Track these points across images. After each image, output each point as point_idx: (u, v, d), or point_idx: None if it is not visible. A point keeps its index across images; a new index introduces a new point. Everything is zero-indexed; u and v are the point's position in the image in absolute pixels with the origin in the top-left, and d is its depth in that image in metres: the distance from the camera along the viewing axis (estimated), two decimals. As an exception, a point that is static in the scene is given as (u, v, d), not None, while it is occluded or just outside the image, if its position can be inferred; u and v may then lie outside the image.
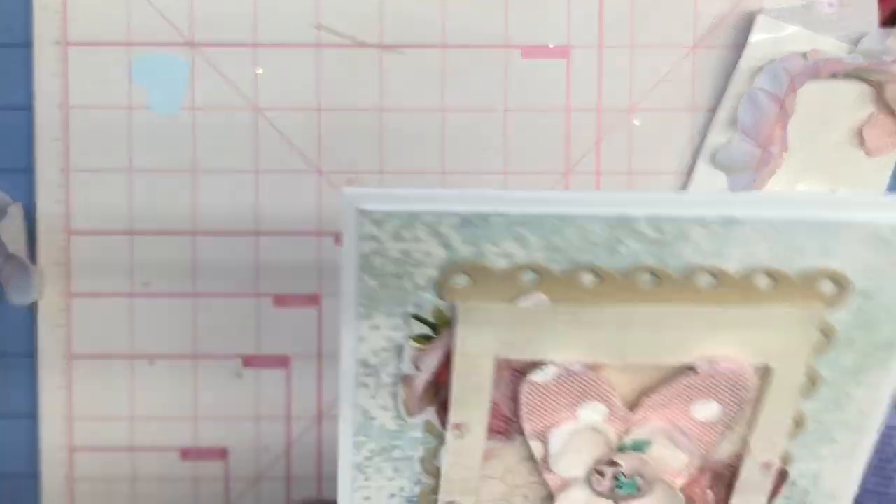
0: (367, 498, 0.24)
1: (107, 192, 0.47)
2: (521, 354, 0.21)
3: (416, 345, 0.22)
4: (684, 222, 0.20)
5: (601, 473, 0.22)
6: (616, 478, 0.22)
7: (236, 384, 0.47)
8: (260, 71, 0.46)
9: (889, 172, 0.46)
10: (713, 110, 0.46)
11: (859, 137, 0.45)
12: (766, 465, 0.23)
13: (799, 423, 0.23)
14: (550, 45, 0.46)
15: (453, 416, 0.22)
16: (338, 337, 0.22)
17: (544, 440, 0.22)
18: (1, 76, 0.47)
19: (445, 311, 0.21)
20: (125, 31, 0.46)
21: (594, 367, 0.21)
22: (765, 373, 0.22)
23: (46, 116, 0.46)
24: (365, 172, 0.47)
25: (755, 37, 0.45)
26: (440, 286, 0.21)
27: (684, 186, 0.46)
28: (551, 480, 0.23)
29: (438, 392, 0.22)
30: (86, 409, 0.47)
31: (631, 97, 0.47)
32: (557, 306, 0.20)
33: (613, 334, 0.21)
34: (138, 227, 0.47)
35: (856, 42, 0.45)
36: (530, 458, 0.23)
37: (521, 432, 0.22)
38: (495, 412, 0.22)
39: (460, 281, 0.21)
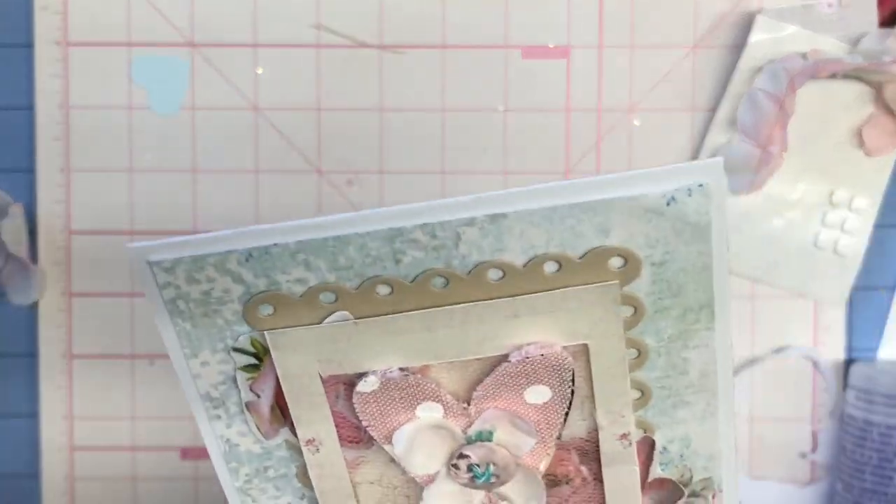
0: None
1: (107, 191, 0.47)
2: (343, 369, 0.22)
3: (247, 374, 0.23)
4: (455, 226, 0.21)
5: (456, 467, 0.23)
6: (470, 469, 0.23)
7: (236, 384, 0.47)
8: (260, 71, 0.46)
9: (889, 172, 0.46)
10: (713, 110, 0.46)
11: (859, 138, 0.45)
12: (623, 437, 0.24)
13: (645, 393, 0.23)
14: (550, 46, 0.46)
15: (301, 433, 0.23)
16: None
17: (390, 440, 0.23)
18: (2, 76, 0.47)
19: (260, 340, 0.22)
20: (125, 32, 0.46)
21: (420, 370, 0.22)
22: (583, 351, 0.22)
23: (47, 116, 0.46)
24: (365, 172, 0.47)
25: (755, 37, 0.45)
26: (248, 318, 0.21)
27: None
28: (418, 478, 0.24)
29: (284, 416, 0.23)
30: (86, 409, 0.47)
31: (631, 97, 0.47)
32: (360, 321, 0.21)
33: (421, 337, 0.21)
34: (138, 226, 0.47)
35: (855, 42, 0.45)
36: (394, 460, 0.24)
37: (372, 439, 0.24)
38: (344, 423, 0.23)
39: (264, 311, 0.21)
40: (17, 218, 0.45)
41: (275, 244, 0.21)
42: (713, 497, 0.25)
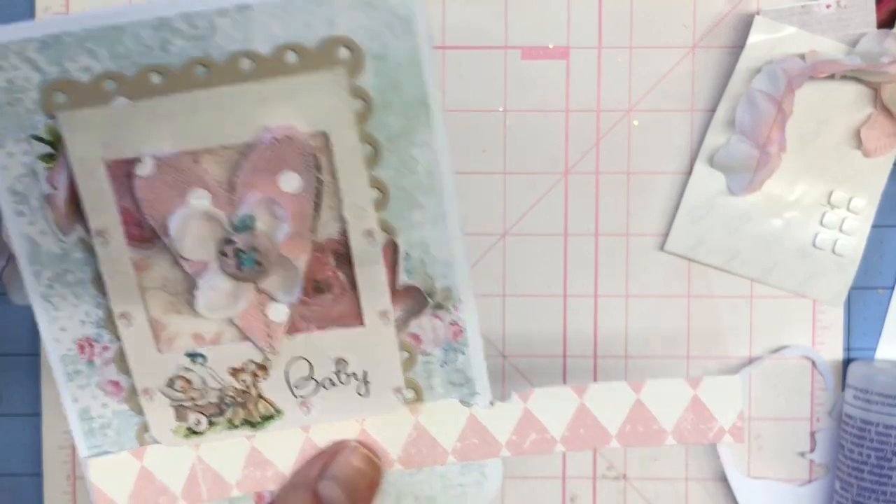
0: (63, 329, 0.27)
1: (108, 192, 0.47)
2: (123, 153, 0.25)
3: (45, 164, 0.25)
4: (210, 16, 0.24)
5: (224, 254, 0.25)
6: (237, 256, 0.25)
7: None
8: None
9: (887, 173, 0.46)
10: (712, 111, 0.46)
11: (857, 138, 0.45)
12: (369, 233, 0.26)
13: (383, 192, 0.26)
14: (550, 46, 0.47)
15: (91, 223, 0.26)
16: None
17: (167, 231, 0.25)
18: (3, 77, 0.47)
19: (56, 127, 0.25)
20: (127, 33, 0.46)
21: (191, 157, 0.25)
22: (324, 140, 0.25)
23: (48, 117, 0.47)
24: (365, 173, 0.47)
25: (753, 38, 0.45)
26: (44, 105, 0.24)
27: (683, 187, 0.47)
28: (189, 267, 0.26)
29: (78, 209, 0.26)
30: (88, 408, 0.47)
31: (630, 98, 0.47)
32: (137, 105, 0.25)
33: (187, 121, 0.25)
34: (140, 227, 0.47)
35: (854, 43, 0.45)
36: (176, 264, 0.26)
37: (155, 233, 0.26)
38: (129, 219, 0.26)
39: (58, 98, 0.24)
40: (18, 218, 0.46)
41: (65, 32, 0.24)
42: (455, 309, 0.28)
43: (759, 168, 0.44)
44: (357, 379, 0.28)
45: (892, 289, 0.47)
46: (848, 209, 0.46)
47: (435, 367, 0.29)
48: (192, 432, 0.29)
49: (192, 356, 0.28)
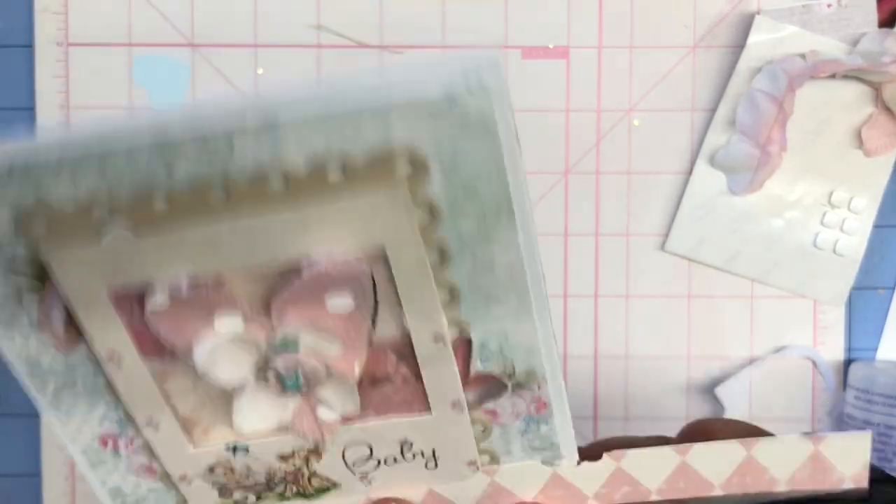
0: (80, 430, 0.24)
1: (108, 192, 0.47)
2: (129, 282, 0.21)
3: (33, 294, 0.21)
4: (228, 134, 0.19)
5: (265, 378, 0.23)
6: (279, 378, 0.23)
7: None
8: (260, 71, 0.47)
9: (888, 172, 0.46)
10: (712, 111, 0.46)
11: (858, 138, 0.45)
12: (436, 337, 0.23)
13: (454, 293, 0.23)
14: (550, 46, 0.47)
15: (99, 347, 0.22)
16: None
17: (192, 355, 0.22)
18: (3, 77, 0.47)
19: (42, 258, 0.21)
20: (126, 32, 0.46)
21: (214, 279, 0.21)
22: (379, 255, 0.21)
23: (48, 117, 0.46)
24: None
25: (754, 37, 0.45)
26: (22, 236, 0.20)
27: (684, 187, 0.46)
28: (227, 388, 0.23)
29: (77, 331, 0.22)
30: (87, 409, 0.47)
31: (630, 97, 0.47)
32: (140, 236, 0.20)
33: (206, 250, 0.20)
34: (139, 227, 0.47)
35: (854, 43, 0.45)
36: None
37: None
38: (144, 337, 0.22)
39: (38, 230, 0.20)
40: (18, 218, 0.45)
41: (36, 154, 0.19)
42: (539, 387, 0.25)
43: (759, 168, 0.44)
44: (424, 456, 0.26)
45: (893, 289, 0.47)
46: (849, 209, 0.46)
47: (514, 436, 0.26)
48: None
49: (234, 449, 0.25)
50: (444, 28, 0.46)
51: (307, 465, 0.26)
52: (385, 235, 0.21)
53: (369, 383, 0.24)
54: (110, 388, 0.23)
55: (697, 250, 0.46)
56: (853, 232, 0.46)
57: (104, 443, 0.25)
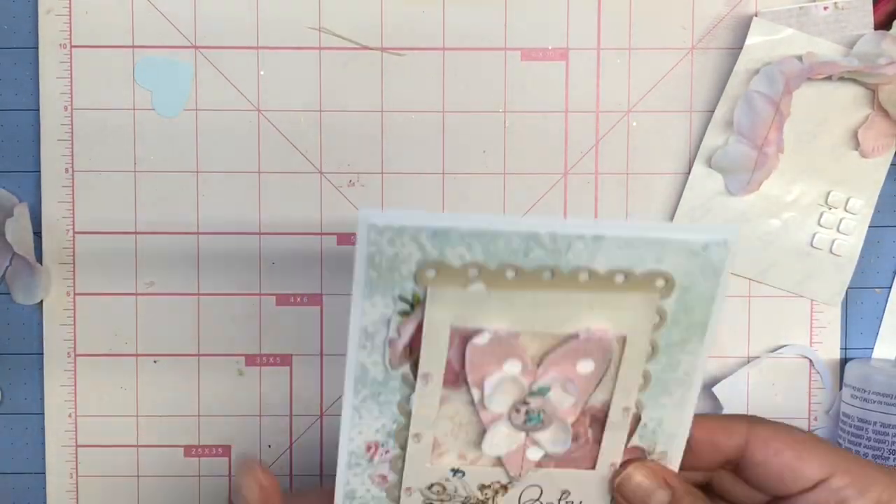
0: (360, 432, 0.34)
1: (111, 192, 0.47)
2: (468, 325, 0.31)
3: (399, 318, 0.32)
4: (570, 238, 0.30)
5: (518, 411, 0.33)
6: (527, 413, 0.33)
7: (239, 382, 0.48)
8: (262, 73, 0.47)
9: (884, 173, 0.46)
10: (710, 112, 0.47)
11: (855, 139, 0.46)
12: (626, 410, 0.33)
13: (646, 380, 0.33)
14: (549, 48, 0.47)
15: (422, 368, 0.32)
16: (345, 318, 0.32)
17: (480, 387, 0.32)
18: (7, 79, 0.47)
19: (420, 294, 0.31)
20: (129, 34, 0.47)
21: (514, 335, 0.32)
22: (622, 341, 0.32)
23: (52, 118, 0.47)
24: (366, 174, 0.47)
25: (751, 39, 0.46)
26: (417, 277, 0.31)
27: (682, 188, 0.47)
28: (484, 417, 0.33)
29: (412, 352, 0.32)
30: (91, 407, 0.48)
31: (629, 99, 0.47)
32: (491, 292, 0.31)
33: (527, 312, 0.31)
34: (142, 227, 0.47)
35: (851, 45, 0.45)
36: (471, 402, 0.33)
37: (465, 382, 0.33)
38: (449, 367, 0.32)
39: (430, 274, 0.31)
40: (22, 218, 0.46)
41: (454, 228, 0.30)
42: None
43: (757, 168, 0.45)
44: None
45: (890, 288, 0.48)
46: (845, 209, 0.46)
47: None
48: None
49: (455, 472, 0.35)
50: (444, 30, 0.47)
51: (494, 499, 0.36)
52: (631, 326, 0.32)
53: None
54: (402, 405, 0.33)
55: (695, 250, 0.47)
56: (850, 232, 0.46)
57: (368, 448, 0.34)
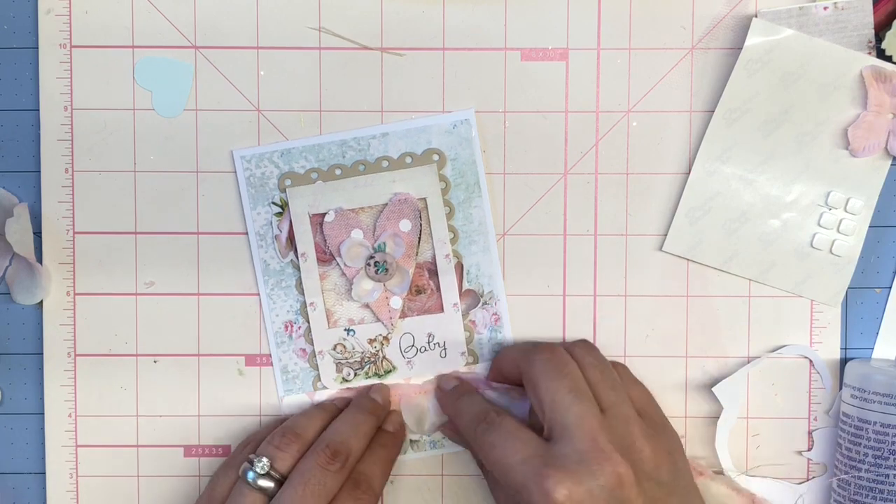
0: (277, 315, 0.47)
1: (111, 192, 0.47)
2: (318, 210, 0.46)
3: (277, 219, 0.46)
4: (368, 138, 0.46)
5: (369, 265, 0.46)
6: (375, 265, 0.46)
7: (239, 382, 0.48)
8: (262, 73, 0.47)
9: (885, 174, 0.46)
10: (710, 112, 0.47)
11: (845, 139, 0.46)
12: (447, 257, 0.46)
13: (455, 234, 0.47)
14: (549, 48, 0.47)
15: (299, 249, 0.46)
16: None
17: (339, 252, 0.46)
18: (7, 79, 0.47)
19: (284, 198, 0.46)
20: (129, 34, 0.47)
21: (354, 211, 0.46)
22: (424, 203, 0.46)
23: (52, 118, 0.47)
24: (366, 173, 0.47)
25: (751, 39, 0.45)
26: (280, 185, 0.46)
27: (682, 188, 0.47)
28: (348, 273, 0.46)
29: (292, 243, 0.46)
30: (91, 407, 0.48)
31: (629, 99, 0.47)
32: (327, 184, 0.46)
33: (353, 194, 0.46)
34: (142, 227, 0.47)
35: (851, 45, 0.45)
36: (343, 274, 0.46)
37: (331, 256, 0.46)
38: (318, 248, 0.46)
39: (287, 182, 0.46)
40: (22, 218, 0.46)
41: (293, 147, 0.45)
42: (496, 304, 0.47)
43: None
44: (440, 346, 0.47)
45: (889, 288, 0.48)
46: (845, 210, 0.46)
47: (485, 342, 0.47)
48: (345, 380, 0.47)
49: (347, 331, 0.47)
50: (444, 30, 0.47)
51: (381, 350, 0.47)
52: (427, 191, 0.46)
53: (415, 293, 0.47)
54: (298, 286, 0.46)
55: (695, 250, 0.47)
56: (850, 232, 0.46)
57: (286, 327, 0.47)
